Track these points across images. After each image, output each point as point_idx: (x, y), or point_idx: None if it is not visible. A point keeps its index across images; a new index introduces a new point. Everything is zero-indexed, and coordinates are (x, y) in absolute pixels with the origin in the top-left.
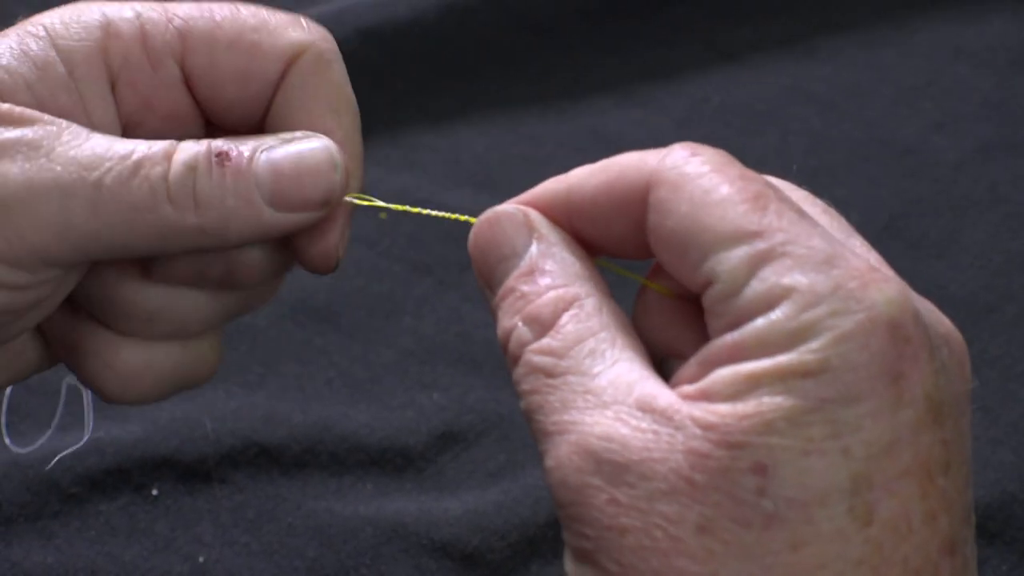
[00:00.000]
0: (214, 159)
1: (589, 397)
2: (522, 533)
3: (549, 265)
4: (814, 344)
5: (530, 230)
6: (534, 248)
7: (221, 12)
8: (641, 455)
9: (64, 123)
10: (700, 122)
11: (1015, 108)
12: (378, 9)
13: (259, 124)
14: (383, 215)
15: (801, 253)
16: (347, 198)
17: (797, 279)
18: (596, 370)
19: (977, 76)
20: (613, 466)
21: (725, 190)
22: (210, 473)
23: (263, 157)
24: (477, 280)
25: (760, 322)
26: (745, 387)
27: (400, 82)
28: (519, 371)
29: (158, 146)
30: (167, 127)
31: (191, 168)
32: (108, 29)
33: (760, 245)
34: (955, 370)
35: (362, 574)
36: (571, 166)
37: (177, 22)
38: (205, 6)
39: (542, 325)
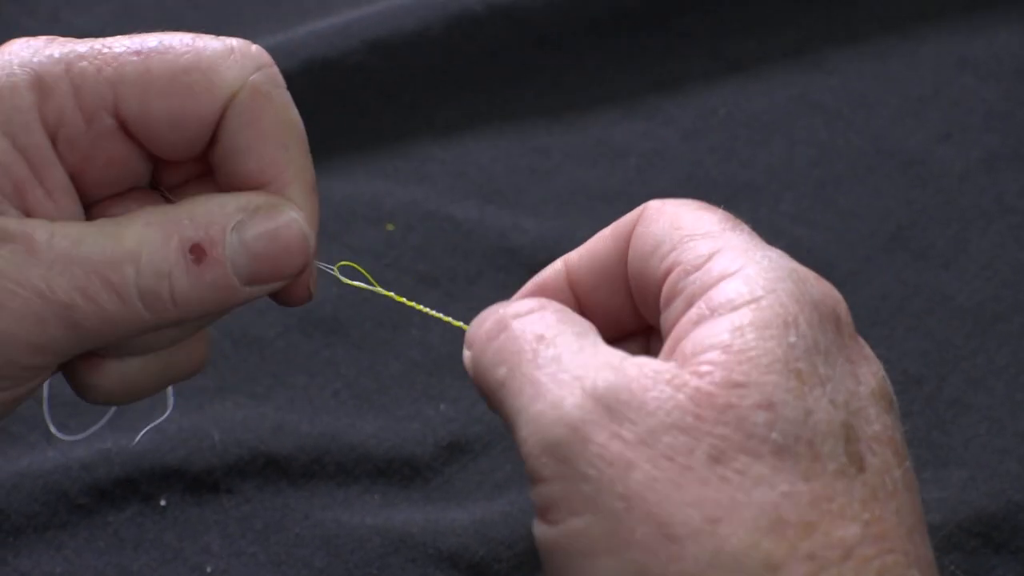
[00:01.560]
0: (188, 257)
1: (584, 353)
2: (529, 543)
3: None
4: (783, 299)
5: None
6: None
7: (152, 54)
8: (644, 394)
9: (30, 234)
10: (707, 133)
11: (1021, 119)
12: (385, 21)
13: (204, 153)
14: (390, 227)
15: (761, 246)
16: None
17: (758, 256)
18: (584, 344)
19: (983, 87)
20: (614, 402)
21: (700, 209)
22: (218, 484)
23: (235, 241)
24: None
25: (725, 284)
26: (732, 335)
27: (407, 94)
28: (503, 338)
29: (128, 243)
30: (111, 172)
31: (163, 275)
32: (40, 89)
33: (726, 236)
34: (890, 386)
35: None
36: (578, 177)
37: (108, 72)
38: (136, 46)
39: (529, 308)
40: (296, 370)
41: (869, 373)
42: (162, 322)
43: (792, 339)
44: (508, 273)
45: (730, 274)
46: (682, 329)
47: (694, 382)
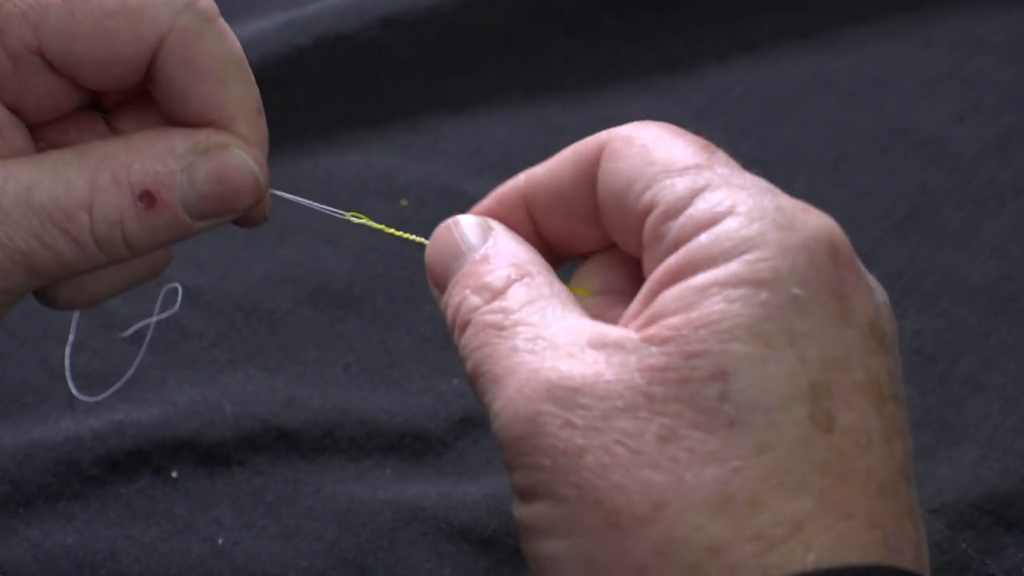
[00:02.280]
0: (139, 204)
1: (540, 342)
2: None
3: (502, 251)
4: (763, 253)
5: (485, 230)
6: (489, 240)
7: None
8: (595, 378)
9: None
10: (721, 112)
11: None
12: None
13: (143, 87)
14: (404, 202)
15: (743, 183)
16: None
17: (741, 197)
18: (547, 321)
19: (999, 68)
20: (566, 391)
21: (675, 138)
22: (230, 456)
23: (185, 183)
24: (431, 286)
25: (703, 238)
26: (696, 297)
27: (421, 70)
28: (468, 333)
29: (79, 190)
30: (48, 103)
31: (115, 223)
32: None
33: (704, 174)
34: (889, 312)
35: (380, 557)
36: None
37: (32, 16)
38: None
39: (492, 292)
40: (308, 344)
41: (861, 307)
42: (118, 260)
43: (763, 296)
44: None
45: (710, 222)
46: (659, 279)
47: (648, 359)
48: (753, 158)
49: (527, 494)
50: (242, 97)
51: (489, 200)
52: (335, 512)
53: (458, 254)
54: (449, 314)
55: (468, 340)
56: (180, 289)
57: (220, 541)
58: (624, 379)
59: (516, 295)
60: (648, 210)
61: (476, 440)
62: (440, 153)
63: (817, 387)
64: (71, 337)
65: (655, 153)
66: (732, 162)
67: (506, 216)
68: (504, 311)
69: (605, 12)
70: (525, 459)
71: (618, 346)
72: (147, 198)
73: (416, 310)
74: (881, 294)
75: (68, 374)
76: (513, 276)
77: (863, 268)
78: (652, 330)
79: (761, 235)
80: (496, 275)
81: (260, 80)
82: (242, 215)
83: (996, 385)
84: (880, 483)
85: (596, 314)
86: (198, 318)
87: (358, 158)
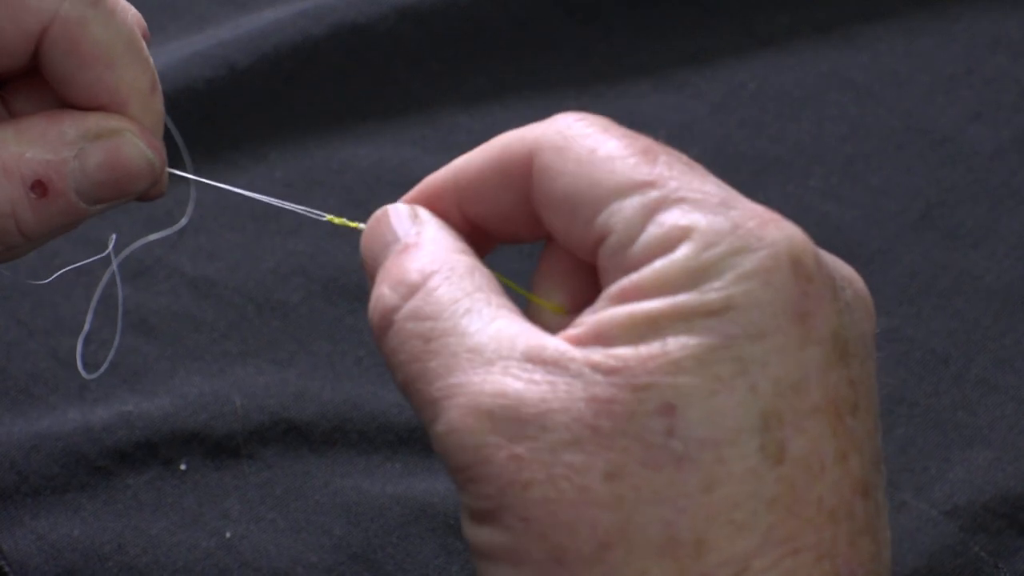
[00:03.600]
0: (31, 195)
1: (472, 355)
2: None
3: (424, 240)
4: (716, 283)
5: (413, 219)
6: (412, 229)
7: None
8: (539, 407)
9: None
10: (737, 107)
11: None
12: None
13: (31, 69)
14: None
15: (697, 198)
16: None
17: (695, 219)
18: (474, 327)
19: (1016, 66)
20: (511, 422)
21: (612, 145)
22: (239, 449)
23: (78, 170)
24: (367, 277)
25: (659, 263)
26: (646, 328)
27: (436, 62)
28: (392, 340)
29: None
30: None
31: (8, 214)
32: None
33: (653, 193)
34: (860, 311)
35: (388, 552)
36: None
37: None
38: None
39: (409, 287)
40: (319, 336)
41: (823, 319)
42: (14, 248)
43: (714, 327)
44: (535, 244)
45: (665, 248)
46: (612, 297)
47: (594, 387)
48: (768, 154)
49: (475, 517)
50: (133, 79)
51: (419, 187)
52: (344, 506)
53: (385, 245)
54: (369, 310)
55: (393, 348)
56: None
57: (228, 534)
58: (571, 410)
59: (438, 295)
60: (600, 238)
61: None
62: (454, 146)
63: (768, 417)
64: (86, 328)
65: (596, 171)
66: (675, 162)
67: (437, 205)
68: (428, 317)
69: (620, 6)
70: (472, 486)
71: (559, 366)
72: (39, 187)
73: None
74: (850, 292)
75: (80, 362)
76: (430, 268)
77: (831, 268)
78: (598, 356)
79: (715, 263)
80: (413, 268)
81: (274, 70)
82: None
83: (1010, 386)
84: (831, 509)
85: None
86: (209, 309)
87: (371, 149)
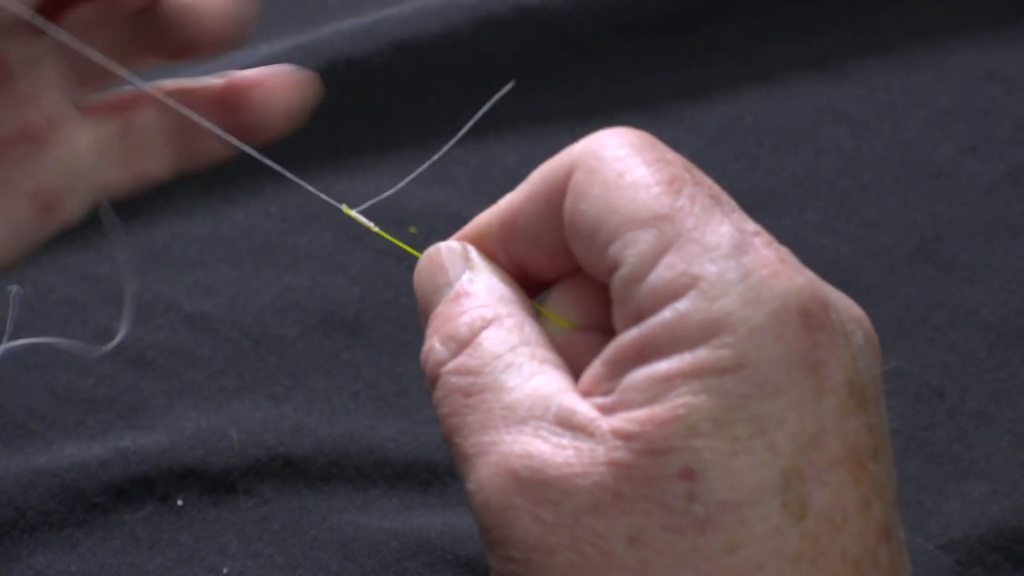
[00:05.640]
0: None
1: (507, 413)
2: None
3: (474, 288)
4: (728, 338)
5: (466, 261)
6: (464, 275)
7: None
8: (562, 471)
9: None
10: (732, 140)
11: None
12: (411, 22)
13: None
14: (412, 230)
15: (709, 240)
16: None
17: (705, 268)
18: (512, 383)
19: (1011, 100)
20: (535, 484)
21: (639, 172)
22: (235, 484)
23: None
24: (420, 318)
25: (667, 314)
26: (661, 389)
27: (432, 95)
28: (437, 393)
29: None
30: None
31: None
32: None
33: (668, 230)
34: (871, 353)
35: None
36: None
37: None
38: None
39: (459, 343)
40: (316, 371)
41: (838, 367)
42: None
43: (728, 385)
44: None
45: (673, 294)
46: (623, 351)
47: (615, 452)
48: (764, 187)
49: (500, 572)
50: None
51: (468, 227)
52: (341, 542)
53: (436, 288)
54: (421, 360)
55: (438, 402)
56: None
57: (225, 570)
58: (592, 474)
59: (484, 348)
60: (613, 267)
61: None
62: (450, 179)
63: (789, 474)
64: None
65: (618, 197)
66: (699, 195)
67: (485, 244)
68: (470, 372)
69: (616, 40)
70: (498, 548)
71: (585, 431)
72: None
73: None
74: (860, 334)
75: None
76: (480, 324)
77: (840, 312)
78: (618, 422)
79: (725, 316)
80: (463, 321)
81: None
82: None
83: (1005, 419)
84: (856, 559)
85: (570, 350)
86: (206, 344)
87: (367, 183)
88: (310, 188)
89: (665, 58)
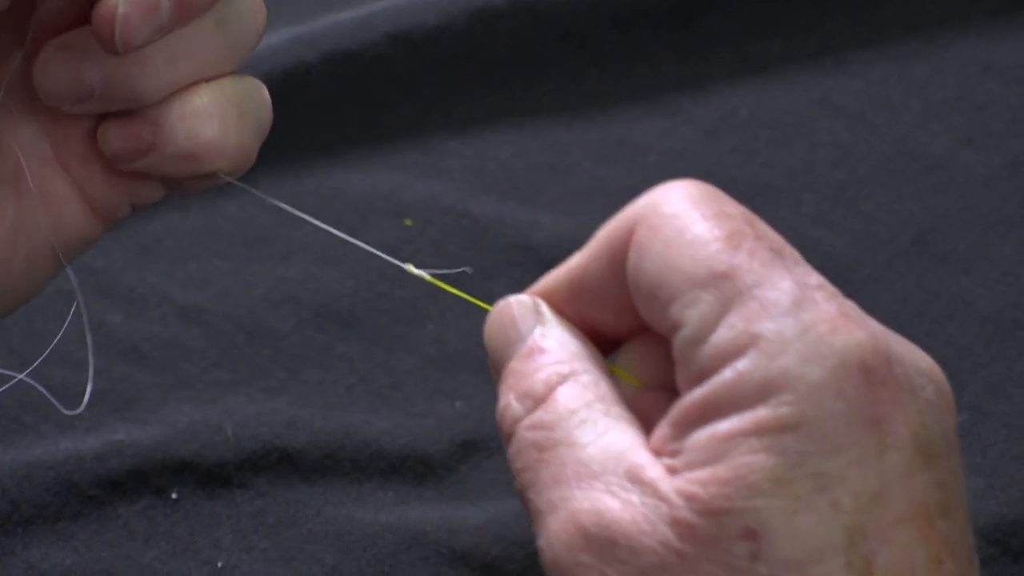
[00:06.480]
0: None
1: (580, 468)
2: None
3: (548, 344)
4: (786, 396)
5: (537, 316)
6: (536, 331)
7: None
8: (629, 529)
9: None
10: (728, 133)
11: None
12: (407, 14)
13: None
14: (408, 222)
15: (770, 297)
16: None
17: (764, 326)
18: (587, 439)
19: (1008, 92)
20: (603, 542)
21: (699, 228)
22: (230, 478)
23: None
24: (491, 370)
25: (727, 374)
26: (722, 449)
27: (427, 88)
28: (512, 448)
29: None
30: None
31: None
32: None
33: (728, 288)
34: (941, 407)
35: None
36: (597, 175)
37: None
38: None
39: (535, 399)
40: (310, 364)
41: (902, 423)
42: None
43: (788, 443)
44: (525, 270)
45: (734, 354)
46: (687, 412)
47: (678, 512)
48: (760, 180)
49: None
50: None
51: (539, 285)
52: (336, 535)
53: (508, 343)
54: (497, 416)
55: (513, 457)
56: None
57: (220, 564)
58: (658, 534)
59: (559, 403)
60: (674, 327)
61: (478, 464)
62: (445, 171)
63: (852, 531)
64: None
65: (679, 255)
66: (759, 250)
67: (555, 302)
68: (545, 427)
69: (612, 32)
70: None
71: (653, 489)
72: None
73: (419, 331)
74: (930, 388)
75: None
76: (555, 380)
77: (907, 366)
78: (681, 482)
79: (784, 374)
80: (538, 379)
81: None
82: None
83: (1002, 413)
84: None
85: (639, 408)
86: (200, 337)
87: (362, 176)
88: (379, 253)
89: (661, 51)
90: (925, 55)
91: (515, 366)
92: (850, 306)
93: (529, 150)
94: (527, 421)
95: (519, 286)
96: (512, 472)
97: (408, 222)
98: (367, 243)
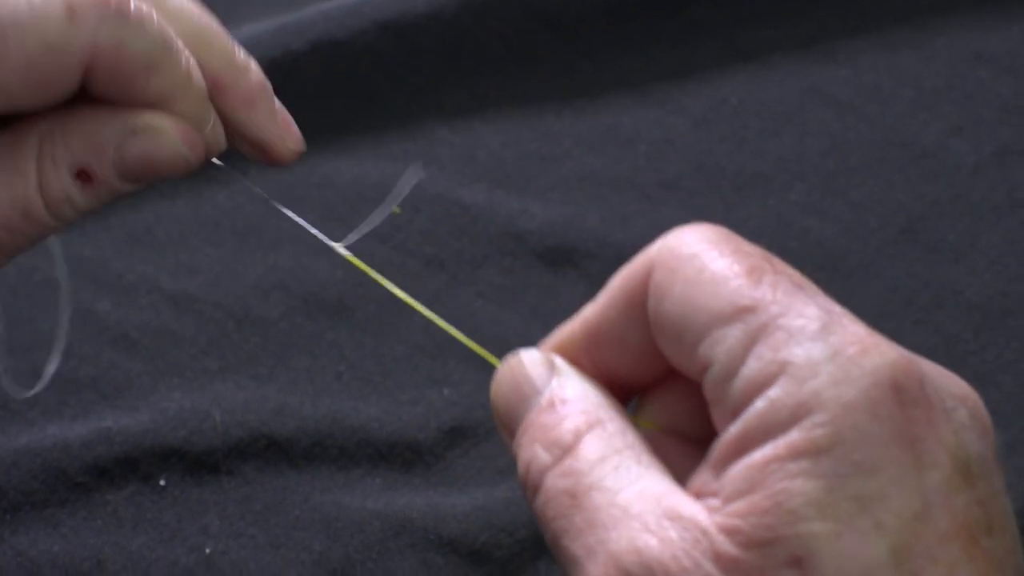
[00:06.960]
0: (77, 182)
1: (615, 511)
2: (530, 530)
3: (568, 394)
4: (819, 418)
5: (551, 368)
6: (554, 382)
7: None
8: (671, 566)
9: None
10: (718, 122)
11: None
12: (396, 3)
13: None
14: (397, 210)
15: (796, 325)
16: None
17: (793, 352)
18: (620, 485)
19: (997, 81)
20: None
21: (718, 265)
22: (218, 465)
23: (118, 160)
24: (499, 430)
25: (759, 404)
26: (758, 477)
27: (417, 76)
28: (540, 499)
29: (31, 179)
30: None
31: (63, 200)
32: None
33: (753, 321)
34: (976, 430)
35: (368, 568)
36: (587, 163)
37: None
38: None
39: (563, 448)
40: (299, 351)
41: (938, 443)
42: (69, 223)
43: (825, 466)
44: (515, 258)
45: (764, 384)
46: (724, 451)
47: (721, 546)
48: (750, 169)
49: None
50: (174, 77)
51: (552, 339)
52: (324, 522)
53: (523, 398)
54: (520, 469)
55: (543, 508)
56: None
57: (208, 550)
58: (701, 568)
59: (588, 451)
60: (704, 367)
61: (466, 451)
62: (434, 160)
63: (898, 551)
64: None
65: (701, 294)
66: (781, 281)
67: (569, 355)
68: (576, 473)
69: (602, 21)
70: None
71: (692, 524)
72: (83, 176)
73: (408, 319)
74: (964, 411)
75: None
76: (583, 428)
77: (939, 387)
78: (721, 517)
79: (815, 396)
80: (565, 428)
81: None
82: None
83: (991, 401)
84: None
85: (662, 453)
86: (189, 325)
87: (351, 164)
88: (313, 230)
89: (651, 40)
90: (915, 44)
91: (536, 419)
92: (874, 332)
93: (519, 139)
94: (557, 470)
95: (508, 273)
96: (542, 524)
97: (397, 210)
98: (355, 231)
